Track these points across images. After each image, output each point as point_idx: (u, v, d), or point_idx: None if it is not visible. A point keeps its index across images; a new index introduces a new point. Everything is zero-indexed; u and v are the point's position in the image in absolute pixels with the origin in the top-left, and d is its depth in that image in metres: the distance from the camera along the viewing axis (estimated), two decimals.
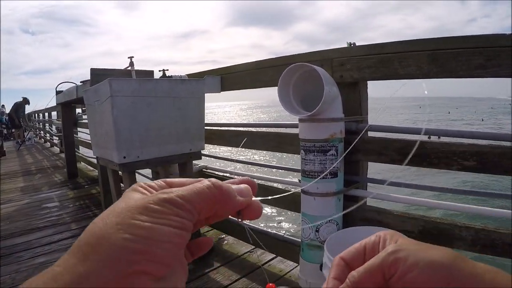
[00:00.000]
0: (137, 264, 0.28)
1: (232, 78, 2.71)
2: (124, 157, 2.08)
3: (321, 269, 1.61)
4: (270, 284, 1.92)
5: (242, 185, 0.38)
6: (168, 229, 0.30)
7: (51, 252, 2.83)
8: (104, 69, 3.18)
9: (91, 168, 6.61)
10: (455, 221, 1.61)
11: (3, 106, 17.63)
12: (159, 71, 2.88)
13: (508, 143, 1.47)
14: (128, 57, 3.14)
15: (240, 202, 0.37)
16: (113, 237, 0.28)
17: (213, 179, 0.35)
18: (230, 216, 0.38)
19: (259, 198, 0.40)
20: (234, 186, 0.37)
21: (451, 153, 1.57)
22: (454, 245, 1.58)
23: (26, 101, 14.35)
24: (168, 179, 0.36)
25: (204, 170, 3.11)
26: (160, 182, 0.36)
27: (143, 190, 0.34)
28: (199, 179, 0.36)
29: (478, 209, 1.57)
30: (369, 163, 1.98)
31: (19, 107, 13.98)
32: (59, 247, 2.92)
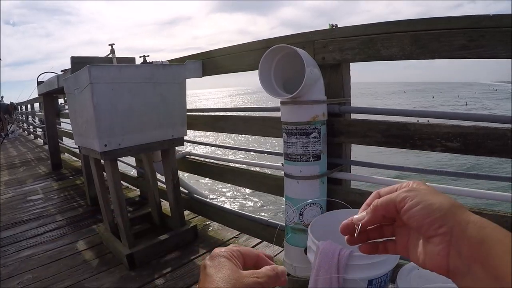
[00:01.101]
0: None
1: (213, 62, 2.68)
2: (106, 145, 2.05)
3: (306, 253, 1.61)
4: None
5: (284, 269, 0.53)
6: None
7: (37, 244, 2.80)
8: (85, 57, 3.13)
9: (75, 159, 6.55)
10: None
11: None
12: (140, 57, 2.84)
13: (492, 124, 1.47)
14: (109, 44, 3.09)
15: (284, 282, 0.52)
16: None
17: (278, 270, 0.51)
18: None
19: None
20: (280, 269, 0.52)
21: (435, 134, 1.57)
22: None
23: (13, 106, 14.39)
24: (240, 250, 0.53)
25: (187, 156, 3.09)
26: (237, 252, 0.51)
27: (235, 260, 0.49)
28: (256, 252, 0.54)
29: (459, 190, 1.57)
30: (352, 145, 1.98)
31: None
32: (45, 239, 2.89)
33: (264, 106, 2.42)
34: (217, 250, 0.52)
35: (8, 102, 14.24)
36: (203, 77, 2.78)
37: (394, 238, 0.55)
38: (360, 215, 0.54)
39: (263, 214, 8.17)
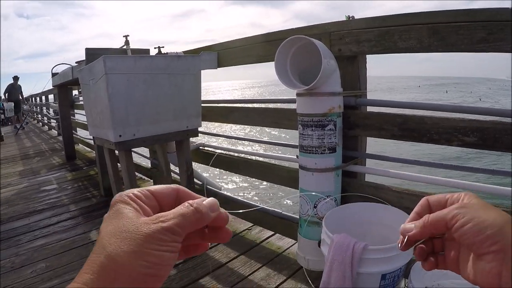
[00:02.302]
0: (148, 284, 0.36)
1: (228, 53, 2.66)
2: (120, 136, 2.06)
3: (319, 246, 1.60)
4: None
5: (212, 200, 0.45)
6: (170, 255, 0.38)
7: (50, 234, 2.82)
8: (99, 48, 3.14)
9: (89, 150, 6.59)
10: None
11: None
12: (155, 48, 2.84)
13: (509, 119, 1.44)
14: (123, 36, 3.09)
15: (212, 217, 0.44)
16: (133, 264, 0.35)
17: (195, 204, 0.42)
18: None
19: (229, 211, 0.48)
20: (206, 203, 0.43)
21: (452, 129, 1.55)
22: None
23: (16, 78, 13.43)
24: (150, 188, 0.44)
25: (201, 147, 3.09)
26: (146, 192, 0.43)
27: (134, 204, 0.41)
28: (173, 187, 0.46)
29: (478, 186, 1.55)
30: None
31: (12, 88, 13.14)
32: (58, 229, 2.90)
33: (278, 98, 2.41)
34: (117, 195, 0.43)
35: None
36: (215, 70, 2.77)
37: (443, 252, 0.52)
38: (408, 225, 0.52)
39: (276, 206, 8.17)
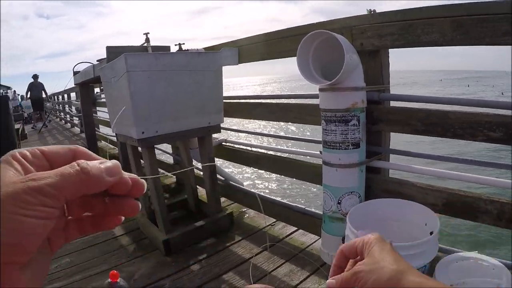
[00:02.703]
0: (4, 256, 0.29)
1: (249, 49, 2.65)
2: (143, 133, 2.07)
3: (343, 242, 1.59)
4: (114, 272, 1.90)
5: (111, 163, 0.38)
6: (36, 221, 0.30)
7: None
8: (120, 46, 3.16)
9: (112, 146, 6.64)
10: (480, 194, 1.56)
11: (14, 92, 17.26)
12: (175, 45, 2.84)
13: None
14: (144, 33, 3.10)
15: (108, 181, 0.37)
16: None
17: (82, 163, 0.35)
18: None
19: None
20: (102, 165, 0.36)
21: (476, 124, 1.51)
22: (478, 219, 1.54)
23: (35, 77, 12.98)
24: (42, 148, 0.38)
25: (224, 143, 3.09)
26: (35, 150, 0.37)
27: (16, 164, 0.34)
28: (70, 147, 0.40)
29: (503, 182, 1.52)
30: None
31: (32, 86, 12.82)
32: None
33: (301, 93, 2.39)
34: (4, 155, 0.35)
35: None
36: (233, 66, 2.76)
37: None
38: (330, 281, 0.62)
39: (299, 201, 8.15)
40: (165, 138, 2.21)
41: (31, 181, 0.31)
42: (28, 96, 12.70)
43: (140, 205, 0.41)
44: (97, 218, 0.41)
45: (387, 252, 0.58)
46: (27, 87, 12.77)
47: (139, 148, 2.34)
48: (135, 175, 0.40)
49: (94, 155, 0.40)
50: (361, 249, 0.60)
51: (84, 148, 0.40)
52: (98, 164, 0.36)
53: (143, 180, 0.40)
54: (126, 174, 0.39)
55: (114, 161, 0.38)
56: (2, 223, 0.29)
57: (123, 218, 0.41)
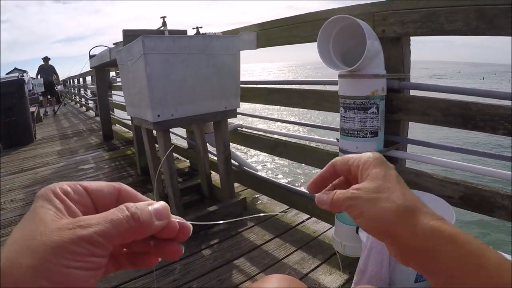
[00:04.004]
0: None
1: (268, 34, 2.61)
2: (158, 116, 2.07)
3: (357, 232, 1.58)
4: None
5: (160, 205, 0.36)
6: (84, 273, 0.29)
7: None
8: (137, 29, 3.15)
9: (126, 130, 6.70)
10: (497, 189, 1.52)
11: (25, 72, 16.93)
12: (193, 28, 2.83)
13: None
14: (161, 17, 3.09)
15: (157, 227, 0.35)
16: (30, 283, 0.27)
17: (131, 207, 0.33)
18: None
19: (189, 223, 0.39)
20: (152, 208, 0.35)
21: (498, 116, 1.47)
22: (495, 213, 1.51)
23: (46, 59, 12.53)
24: (85, 184, 0.36)
25: (239, 128, 3.08)
26: (77, 186, 0.35)
27: (58, 203, 0.32)
28: (115, 185, 0.38)
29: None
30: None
31: (42, 69, 12.39)
32: None
33: (319, 79, 2.37)
34: (42, 189, 0.33)
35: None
36: (244, 52, 2.74)
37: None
38: (320, 196, 0.49)
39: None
40: (181, 121, 2.20)
41: (79, 228, 0.29)
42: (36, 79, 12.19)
43: (183, 249, 0.39)
44: (136, 256, 0.40)
45: (393, 179, 0.45)
46: (36, 70, 12.46)
47: (154, 132, 2.33)
48: (181, 218, 0.38)
49: (139, 194, 0.39)
50: (356, 170, 0.47)
51: (128, 186, 0.39)
52: (147, 207, 0.35)
53: (189, 224, 0.38)
54: (173, 217, 0.37)
55: (163, 204, 0.37)
56: (50, 276, 0.27)
57: (159, 259, 0.40)
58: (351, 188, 0.45)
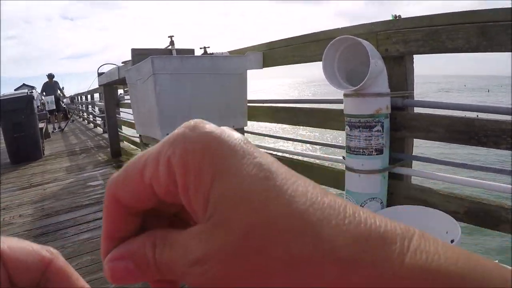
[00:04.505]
0: None
1: (274, 53, 2.67)
2: (167, 134, 2.09)
3: None
4: None
5: None
6: None
7: (95, 228, 2.90)
8: (145, 48, 3.20)
9: (134, 147, 6.72)
10: (502, 203, 1.54)
11: (34, 88, 16.51)
12: (200, 48, 2.88)
13: None
14: (168, 36, 3.15)
15: None
16: None
17: None
18: None
19: None
20: None
21: (501, 131, 1.49)
22: (499, 228, 1.52)
23: (50, 76, 12.36)
24: (3, 248, 0.24)
25: None
26: None
27: None
28: (45, 256, 0.27)
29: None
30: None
31: (46, 86, 12.22)
32: None
33: (325, 98, 2.40)
34: None
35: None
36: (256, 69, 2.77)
37: None
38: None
39: None
40: None
41: None
42: (42, 97, 11.83)
43: None
44: None
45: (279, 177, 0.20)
46: (41, 88, 12.25)
47: None
48: None
49: (73, 272, 0.28)
50: (169, 185, 0.20)
51: (63, 260, 0.28)
52: None
53: None
54: None
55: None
56: None
57: None
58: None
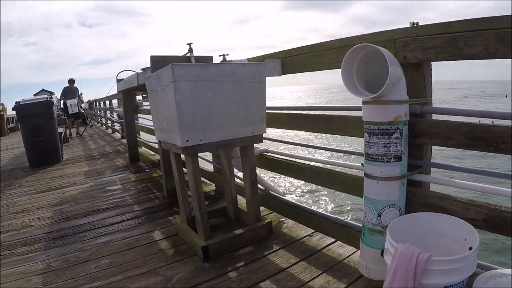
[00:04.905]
0: None
1: (293, 61, 2.69)
2: (187, 141, 2.14)
3: (382, 255, 1.60)
4: None
5: None
6: None
7: (114, 232, 2.94)
8: (164, 56, 3.26)
9: (152, 153, 6.80)
10: None
11: (53, 94, 16.32)
12: (219, 56, 2.92)
13: None
14: (187, 44, 3.20)
15: None
16: None
17: None
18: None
19: None
20: None
21: None
22: None
23: (71, 81, 11.97)
24: None
25: (265, 153, 3.14)
26: None
27: None
28: None
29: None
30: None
31: (68, 91, 11.83)
32: (122, 228, 3.03)
33: (343, 105, 2.42)
34: None
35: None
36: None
37: None
38: None
39: (337, 213, 8.11)
40: (209, 146, 2.27)
41: None
42: (62, 102, 11.87)
43: None
44: None
45: None
46: (61, 92, 11.89)
47: (182, 156, 2.40)
48: None
49: None
50: None
51: None
52: None
53: None
54: None
55: None
56: None
57: None
58: None
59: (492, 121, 1.68)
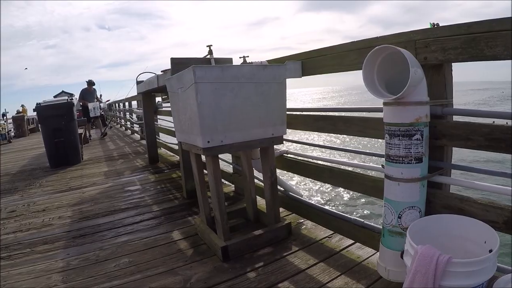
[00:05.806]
0: None
1: (313, 62, 2.70)
2: (208, 142, 2.16)
3: (402, 257, 1.59)
4: None
5: None
6: None
7: (133, 231, 2.98)
8: (184, 58, 3.30)
9: (171, 154, 6.85)
10: None
11: (73, 95, 15.83)
12: (239, 57, 2.94)
13: None
14: (207, 46, 3.23)
15: None
16: None
17: None
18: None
19: None
20: None
21: None
22: None
23: (90, 83, 11.58)
24: None
25: (285, 154, 3.15)
26: None
27: None
28: None
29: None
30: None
31: (86, 93, 11.51)
32: (141, 227, 3.07)
33: (364, 107, 2.41)
34: None
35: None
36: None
37: None
38: None
39: (355, 214, 8.07)
40: (230, 147, 2.29)
41: None
42: (81, 104, 11.44)
43: None
44: None
45: None
46: (79, 94, 11.60)
47: (202, 157, 2.42)
48: None
49: None
50: None
51: None
52: None
53: None
54: None
55: None
56: None
57: None
58: None
59: (506, 122, 1.66)
